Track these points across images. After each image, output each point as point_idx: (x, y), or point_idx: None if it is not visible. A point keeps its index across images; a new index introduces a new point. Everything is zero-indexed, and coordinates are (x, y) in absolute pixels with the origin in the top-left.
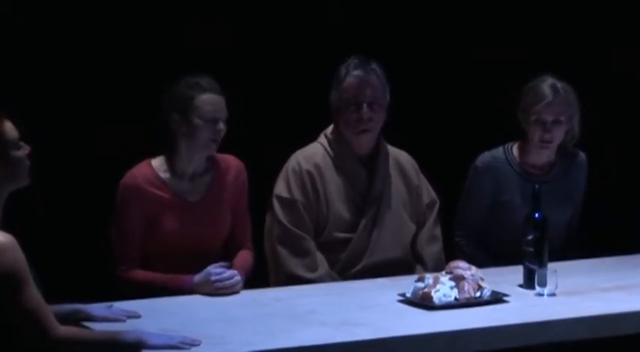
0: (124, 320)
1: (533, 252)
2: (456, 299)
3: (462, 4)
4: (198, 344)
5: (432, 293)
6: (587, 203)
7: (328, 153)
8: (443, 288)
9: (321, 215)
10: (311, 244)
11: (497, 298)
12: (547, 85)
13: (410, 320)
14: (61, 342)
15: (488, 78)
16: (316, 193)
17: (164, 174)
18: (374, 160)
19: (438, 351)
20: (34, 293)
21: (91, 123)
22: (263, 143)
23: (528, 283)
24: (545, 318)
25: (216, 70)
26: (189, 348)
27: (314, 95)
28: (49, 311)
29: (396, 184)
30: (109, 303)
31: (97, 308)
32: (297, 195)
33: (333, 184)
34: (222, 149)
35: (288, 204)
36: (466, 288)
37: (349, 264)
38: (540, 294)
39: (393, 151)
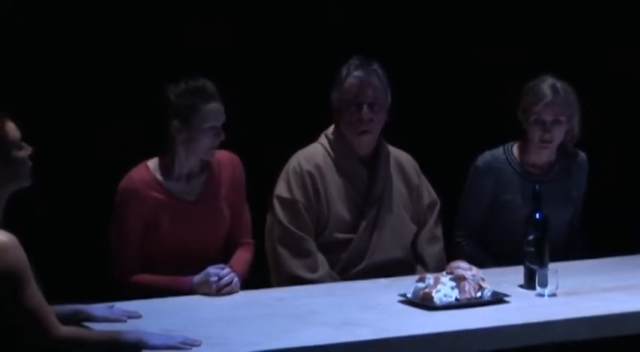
0: (125, 321)
1: (533, 252)
2: (456, 299)
3: (461, 4)
4: (199, 345)
5: (433, 294)
6: (588, 203)
7: (329, 153)
8: (444, 289)
9: (321, 215)
10: (312, 245)
11: (498, 298)
12: (547, 84)
13: (411, 320)
14: (62, 342)
15: (488, 78)
16: (317, 194)
17: (161, 176)
18: (375, 161)
19: (439, 351)
20: (35, 293)
21: (91, 123)
22: (263, 143)
23: (529, 283)
24: (546, 318)
25: (216, 70)
26: (189, 348)
27: (314, 95)
28: (50, 312)
29: (397, 185)
30: (109, 303)
31: (97, 309)
32: (298, 195)
33: (334, 185)
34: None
35: (288, 204)
36: (467, 289)
37: (350, 264)
38: (541, 294)
39: (394, 151)
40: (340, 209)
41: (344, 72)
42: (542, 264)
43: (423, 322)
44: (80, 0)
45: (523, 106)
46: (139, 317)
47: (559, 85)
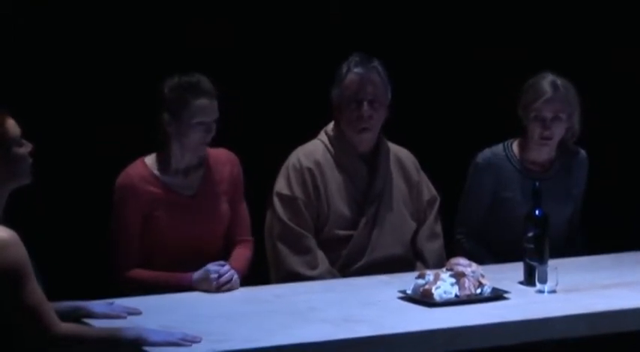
0: (125, 317)
1: (533, 248)
2: (456, 296)
3: (461, 4)
4: (199, 341)
5: (433, 290)
6: (588, 201)
7: (329, 150)
8: (443, 285)
9: (321, 212)
10: (311, 241)
11: (497, 295)
12: (547, 81)
13: (410, 316)
14: (62, 339)
15: (488, 78)
16: (317, 190)
17: (158, 171)
18: (375, 157)
19: (439, 348)
20: (35, 290)
21: (91, 123)
22: (263, 141)
23: (529, 280)
24: (546, 315)
25: (216, 70)
26: (189, 345)
27: (313, 94)
28: (50, 308)
29: (397, 181)
30: (109, 300)
31: (97, 305)
32: (298, 192)
33: (334, 181)
34: (222, 147)
35: (288, 201)
36: (467, 285)
37: (350, 261)
38: (541, 291)
39: (394, 148)
40: (340, 206)
41: (344, 69)
42: (542, 261)
43: (422, 318)
44: (80, 0)
45: (523, 103)
46: (139, 313)
47: (559, 81)
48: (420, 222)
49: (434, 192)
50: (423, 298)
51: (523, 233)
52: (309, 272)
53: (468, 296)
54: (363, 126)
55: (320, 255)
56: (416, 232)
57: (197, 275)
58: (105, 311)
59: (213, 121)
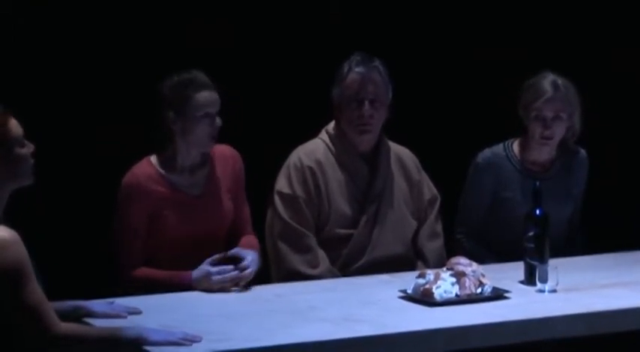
0: (125, 317)
1: (534, 248)
2: (456, 295)
3: (462, 4)
4: (199, 341)
5: (433, 290)
6: (588, 201)
7: (330, 149)
8: (444, 284)
9: (322, 211)
10: (312, 240)
11: (498, 294)
12: (548, 81)
13: (411, 316)
14: (62, 339)
15: (488, 77)
16: (317, 189)
17: (164, 171)
18: (375, 156)
19: (439, 347)
20: (35, 290)
21: (91, 123)
22: (263, 140)
23: (529, 279)
24: (546, 314)
25: (216, 70)
26: (190, 344)
27: (314, 94)
28: (50, 308)
29: (398, 180)
30: (110, 299)
31: (97, 305)
32: (299, 191)
33: (335, 180)
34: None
35: (289, 199)
36: (467, 284)
37: (350, 260)
38: (541, 291)
39: (395, 147)
40: (341, 204)
41: (345, 68)
42: (543, 260)
43: (423, 318)
44: (80, 0)
45: (524, 103)
46: (139, 313)
47: (560, 81)
48: (421, 221)
49: (434, 191)
50: (424, 297)
51: (523, 232)
52: (309, 271)
53: (469, 295)
54: (363, 127)
55: (320, 254)
56: (416, 231)
57: (196, 274)
58: (105, 311)
59: (217, 113)
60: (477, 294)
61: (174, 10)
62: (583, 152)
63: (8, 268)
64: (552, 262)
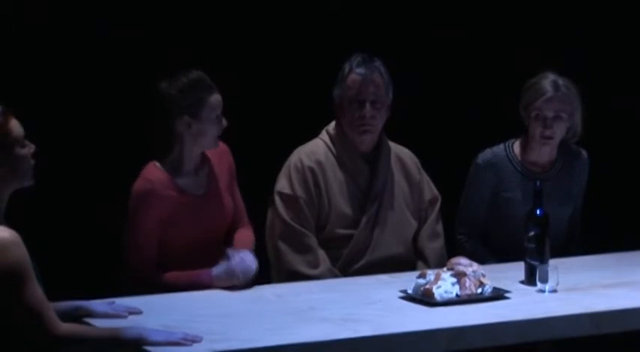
0: (126, 317)
1: (534, 248)
2: (457, 295)
3: (462, 4)
4: (200, 341)
5: (434, 290)
6: (588, 201)
7: (330, 149)
8: (444, 285)
9: (322, 211)
10: (313, 241)
11: (498, 294)
12: (548, 81)
13: (411, 316)
14: (62, 339)
15: (489, 77)
16: (318, 189)
17: (172, 175)
18: (376, 157)
19: (439, 347)
20: (36, 290)
21: (91, 124)
22: (263, 140)
23: (530, 279)
24: (547, 315)
25: (216, 70)
26: (190, 344)
27: (313, 94)
28: (51, 309)
29: (398, 180)
30: (110, 300)
31: (98, 305)
32: (299, 191)
33: (335, 181)
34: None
35: (290, 200)
36: (467, 285)
37: (351, 260)
38: (542, 291)
39: (395, 147)
40: (341, 205)
41: (346, 68)
42: (543, 260)
43: (423, 318)
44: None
45: (524, 103)
46: (140, 313)
47: (560, 81)
48: (421, 221)
49: (435, 191)
50: (424, 298)
51: (524, 232)
52: (310, 272)
53: (469, 295)
54: (364, 128)
55: (321, 254)
56: (417, 232)
57: (216, 271)
58: (105, 311)
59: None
60: (477, 294)
61: (174, 10)
62: (584, 152)
63: (9, 268)
64: (553, 262)
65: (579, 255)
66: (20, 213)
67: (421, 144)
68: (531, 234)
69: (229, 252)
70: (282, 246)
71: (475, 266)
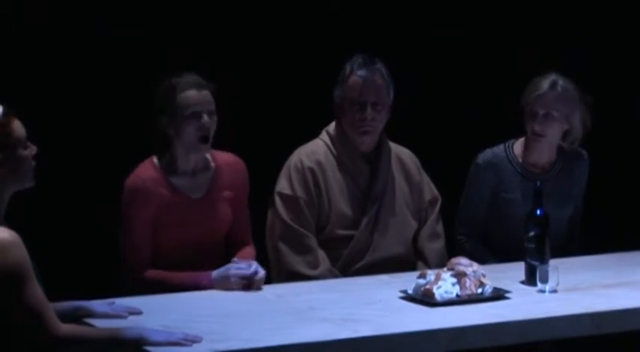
0: (126, 317)
1: (534, 248)
2: (457, 295)
3: (463, 4)
4: (200, 341)
5: (434, 290)
6: (588, 201)
7: (330, 150)
8: (444, 285)
9: (323, 212)
10: (313, 241)
11: (498, 295)
12: (547, 80)
13: (411, 316)
14: (62, 340)
15: (490, 77)
16: (318, 190)
17: (166, 173)
18: (376, 157)
19: (440, 348)
20: (36, 291)
21: (92, 124)
22: (264, 141)
23: (530, 280)
24: (547, 315)
25: (216, 70)
26: (190, 345)
27: (314, 94)
28: (51, 309)
29: (398, 181)
30: (110, 300)
31: (98, 305)
32: (300, 192)
33: (335, 181)
34: (223, 146)
35: (290, 201)
36: (468, 285)
37: (351, 261)
38: (542, 291)
39: (395, 148)
40: (341, 205)
41: (347, 69)
42: (543, 261)
43: (423, 318)
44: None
45: (523, 101)
46: (140, 313)
47: (561, 81)
48: (422, 221)
49: (435, 191)
50: (424, 298)
51: (524, 233)
52: (310, 272)
53: (469, 296)
54: (365, 129)
55: (321, 254)
56: (417, 232)
57: (217, 273)
58: (105, 311)
59: (208, 112)
60: (477, 295)
61: (174, 10)
62: (584, 153)
63: (9, 269)
64: (553, 262)
65: (579, 255)
66: (20, 213)
67: (421, 144)
68: (531, 234)
69: (235, 259)
70: (282, 247)
71: (475, 266)
